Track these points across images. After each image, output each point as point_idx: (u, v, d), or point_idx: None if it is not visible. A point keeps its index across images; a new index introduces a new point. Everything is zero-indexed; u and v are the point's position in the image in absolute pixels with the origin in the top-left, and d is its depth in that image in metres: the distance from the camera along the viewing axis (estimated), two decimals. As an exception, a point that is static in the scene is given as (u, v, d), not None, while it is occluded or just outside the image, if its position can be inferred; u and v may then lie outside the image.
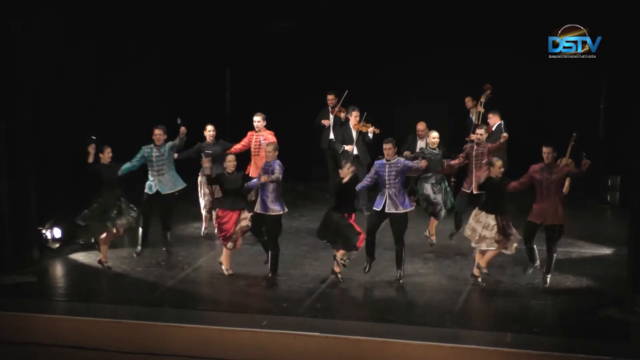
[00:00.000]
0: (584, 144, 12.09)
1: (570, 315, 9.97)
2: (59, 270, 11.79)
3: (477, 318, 9.91)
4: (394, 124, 15.35)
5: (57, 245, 12.26)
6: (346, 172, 10.86)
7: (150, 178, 11.83)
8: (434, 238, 12.32)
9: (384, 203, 10.88)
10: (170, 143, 11.89)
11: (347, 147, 13.97)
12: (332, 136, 14.83)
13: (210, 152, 12.51)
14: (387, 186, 10.89)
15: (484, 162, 11.96)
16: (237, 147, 12.94)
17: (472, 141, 13.99)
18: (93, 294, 10.74)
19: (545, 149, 10.85)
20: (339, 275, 10.91)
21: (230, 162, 11.12)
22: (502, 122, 13.88)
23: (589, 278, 11.11)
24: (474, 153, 12.11)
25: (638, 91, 9.95)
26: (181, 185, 12.02)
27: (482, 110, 14.30)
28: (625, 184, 14.16)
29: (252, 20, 15.69)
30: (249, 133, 13.13)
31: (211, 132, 12.78)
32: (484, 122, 14.18)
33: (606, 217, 14.46)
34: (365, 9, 15.20)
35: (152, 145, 11.81)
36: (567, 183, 13.93)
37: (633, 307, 9.77)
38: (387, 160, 10.96)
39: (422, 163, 11.32)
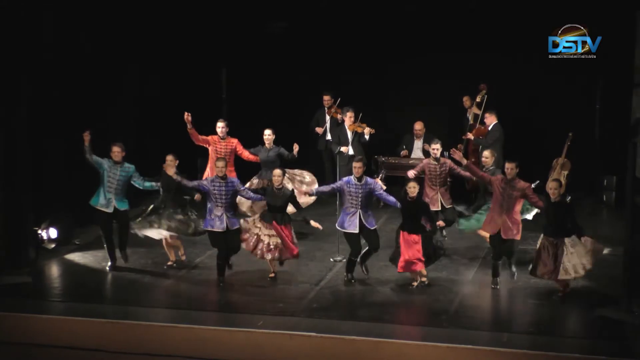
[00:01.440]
0: (579, 143, 12.15)
1: (566, 315, 9.98)
2: (54, 270, 11.78)
3: (473, 318, 9.90)
4: (395, 124, 15.38)
5: (53, 245, 12.25)
6: (413, 191, 10.55)
7: (103, 194, 11.43)
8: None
9: (359, 224, 10.87)
10: (137, 180, 11.51)
11: (343, 149, 13.94)
12: (329, 137, 14.84)
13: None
14: (358, 206, 10.86)
15: (440, 181, 11.74)
16: (200, 138, 12.73)
17: (468, 140, 14.03)
18: (89, 295, 10.72)
19: (508, 165, 10.68)
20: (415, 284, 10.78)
21: (277, 177, 10.91)
22: (499, 121, 13.95)
23: (585, 278, 11.04)
24: (434, 170, 11.83)
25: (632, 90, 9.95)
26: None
27: (478, 112, 14.31)
28: (621, 184, 14.16)
29: (249, 20, 15.66)
30: (213, 138, 12.77)
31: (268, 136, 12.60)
32: (481, 122, 14.21)
33: (602, 217, 14.46)
34: (361, 8, 15.17)
35: (110, 163, 11.44)
36: (562, 183, 13.96)
37: (629, 307, 9.78)
38: (357, 179, 10.88)
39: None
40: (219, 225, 10.88)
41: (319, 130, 14.92)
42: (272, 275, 11.04)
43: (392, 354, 9.17)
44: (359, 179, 10.88)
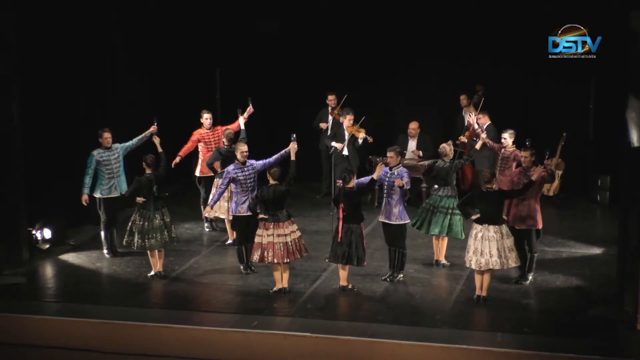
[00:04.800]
0: (573, 143, 12.13)
1: (560, 314, 9.99)
2: (48, 271, 11.77)
3: (467, 318, 9.92)
4: (393, 124, 15.38)
5: (47, 245, 12.23)
6: (351, 182, 10.59)
7: (106, 181, 11.84)
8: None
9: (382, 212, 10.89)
10: (125, 145, 12.01)
11: (337, 145, 13.83)
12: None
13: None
14: (384, 195, 10.86)
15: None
16: (190, 146, 13.01)
17: (462, 143, 14.00)
18: (83, 295, 10.71)
19: (524, 153, 10.84)
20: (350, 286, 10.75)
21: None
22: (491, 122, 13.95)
23: (578, 278, 11.13)
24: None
25: (627, 90, 9.96)
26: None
27: (475, 112, 14.30)
28: (615, 184, 14.18)
29: (242, 20, 15.66)
30: (200, 133, 12.96)
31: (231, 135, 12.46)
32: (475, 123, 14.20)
33: (596, 217, 14.49)
34: (361, 8, 15.15)
35: (101, 150, 11.84)
36: (556, 184, 14.01)
37: (622, 307, 9.80)
38: (389, 168, 10.88)
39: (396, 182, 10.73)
40: (245, 210, 11.06)
41: (323, 125, 14.80)
42: (284, 286, 10.63)
43: (386, 354, 9.18)
44: (391, 168, 10.88)
